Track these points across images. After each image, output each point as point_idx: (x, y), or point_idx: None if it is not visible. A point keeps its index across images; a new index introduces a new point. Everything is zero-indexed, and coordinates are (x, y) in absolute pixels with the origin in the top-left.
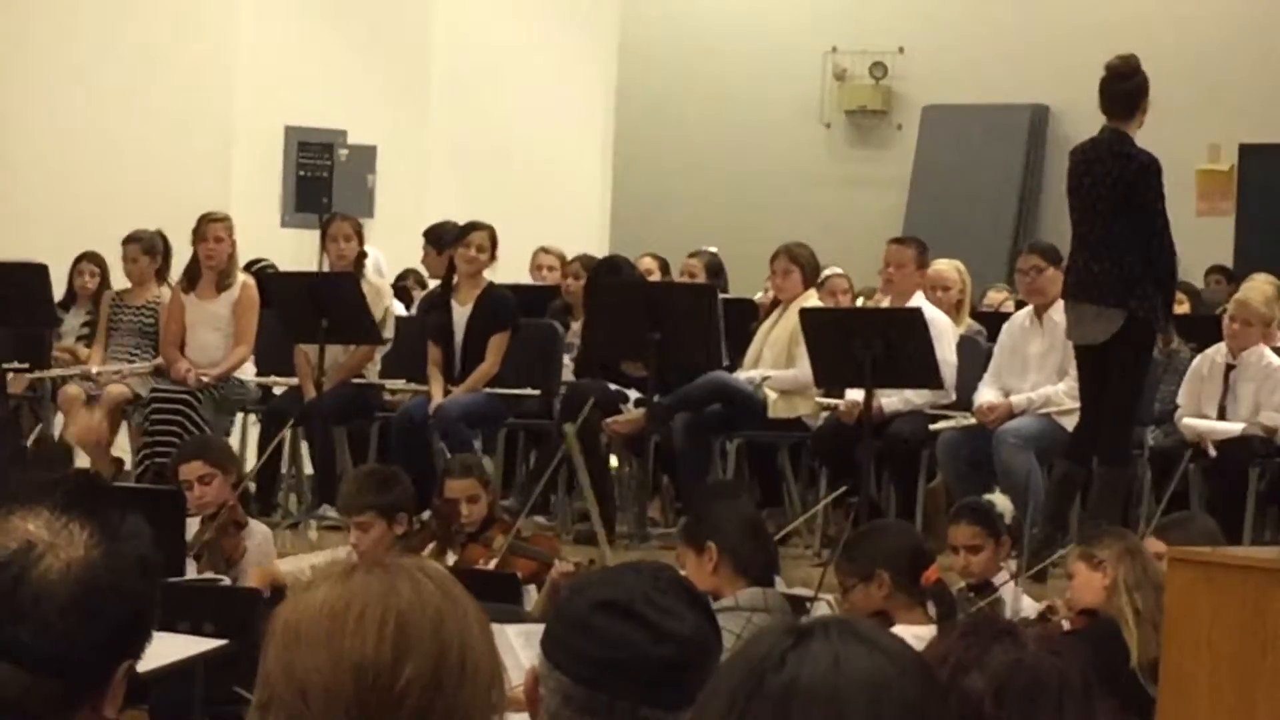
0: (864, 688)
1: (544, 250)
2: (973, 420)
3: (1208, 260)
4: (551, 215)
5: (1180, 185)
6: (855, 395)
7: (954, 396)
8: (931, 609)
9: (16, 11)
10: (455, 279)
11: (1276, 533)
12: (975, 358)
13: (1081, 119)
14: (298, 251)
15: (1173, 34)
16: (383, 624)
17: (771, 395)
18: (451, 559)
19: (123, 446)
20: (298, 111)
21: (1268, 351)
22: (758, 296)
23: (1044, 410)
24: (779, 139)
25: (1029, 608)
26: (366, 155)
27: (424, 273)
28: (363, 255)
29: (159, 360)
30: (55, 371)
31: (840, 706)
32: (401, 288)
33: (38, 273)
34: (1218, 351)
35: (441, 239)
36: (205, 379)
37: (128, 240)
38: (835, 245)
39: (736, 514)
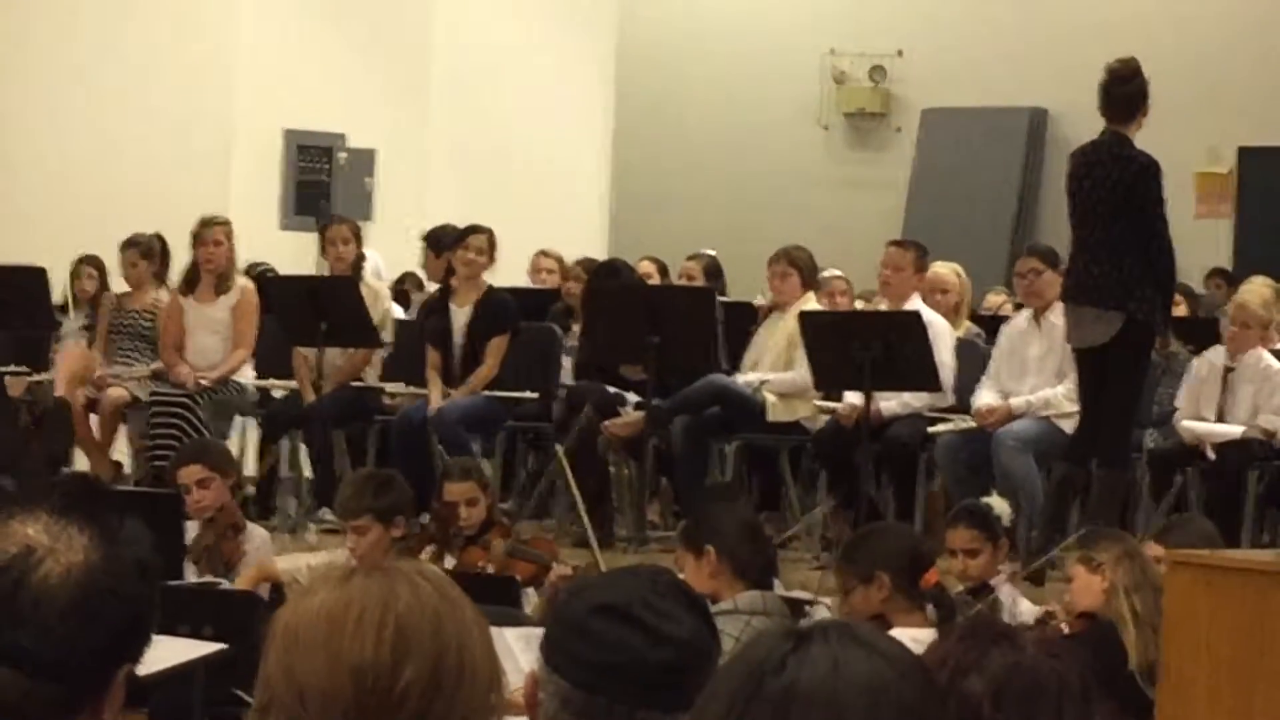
0: (863, 691)
1: (543, 253)
2: (972, 423)
3: (1207, 262)
4: (550, 218)
5: (1179, 188)
6: (854, 398)
7: (952, 399)
8: (931, 612)
9: (16, 13)
10: (454, 282)
11: (1275, 535)
12: (974, 360)
13: (1080, 122)
14: (297, 255)
15: (1172, 36)
16: (381, 627)
17: (770, 398)
18: (450, 562)
19: (122, 450)
20: (297, 114)
21: (1266, 354)
22: (757, 300)
23: (1043, 413)
24: (778, 141)
25: (1027, 610)
26: (365, 158)
27: (423, 276)
28: (362, 258)
29: (158, 364)
30: (54, 375)
31: (839, 710)
32: (400, 291)
33: (35, 276)
34: (1216, 354)
35: (440, 242)
36: (204, 382)
37: (125, 245)
38: (834, 248)
39: (734, 517)
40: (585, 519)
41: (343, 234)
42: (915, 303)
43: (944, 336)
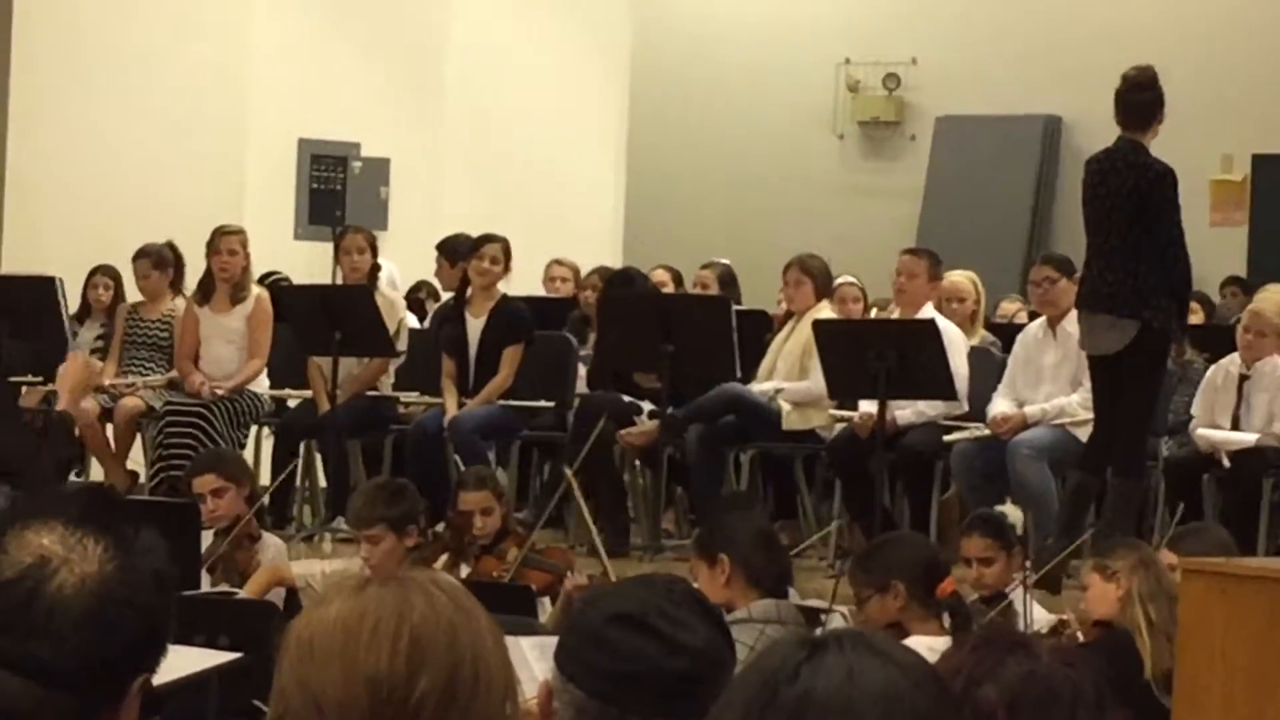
0: (877, 700)
1: (557, 262)
2: (986, 431)
3: (1221, 270)
4: (565, 227)
5: (1193, 196)
6: (869, 407)
7: (967, 408)
8: (946, 620)
9: (28, 25)
10: (469, 291)
11: None
12: (989, 369)
13: (1094, 130)
14: (311, 264)
15: (1186, 44)
16: (396, 637)
17: (785, 407)
18: (465, 571)
19: (137, 459)
20: (311, 124)
21: None
22: (776, 308)
23: (1058, 421)
24: (792, 150)
25: (1042, 619)
26: (380, 167)
27: (438, 285)
28: (376, 268)
29: (173, 373)
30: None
31: (854, 719)
32: (415, 300)
33: (50, 286)
34: (1231, 362)
35: (455, 251)
36: (219, 392)
37: (137, 256)
38: (848, 256)
39: (749, 526)
40: (596, 536)
41: (357, 243)
42: (930, 311)
43: (958, 345)
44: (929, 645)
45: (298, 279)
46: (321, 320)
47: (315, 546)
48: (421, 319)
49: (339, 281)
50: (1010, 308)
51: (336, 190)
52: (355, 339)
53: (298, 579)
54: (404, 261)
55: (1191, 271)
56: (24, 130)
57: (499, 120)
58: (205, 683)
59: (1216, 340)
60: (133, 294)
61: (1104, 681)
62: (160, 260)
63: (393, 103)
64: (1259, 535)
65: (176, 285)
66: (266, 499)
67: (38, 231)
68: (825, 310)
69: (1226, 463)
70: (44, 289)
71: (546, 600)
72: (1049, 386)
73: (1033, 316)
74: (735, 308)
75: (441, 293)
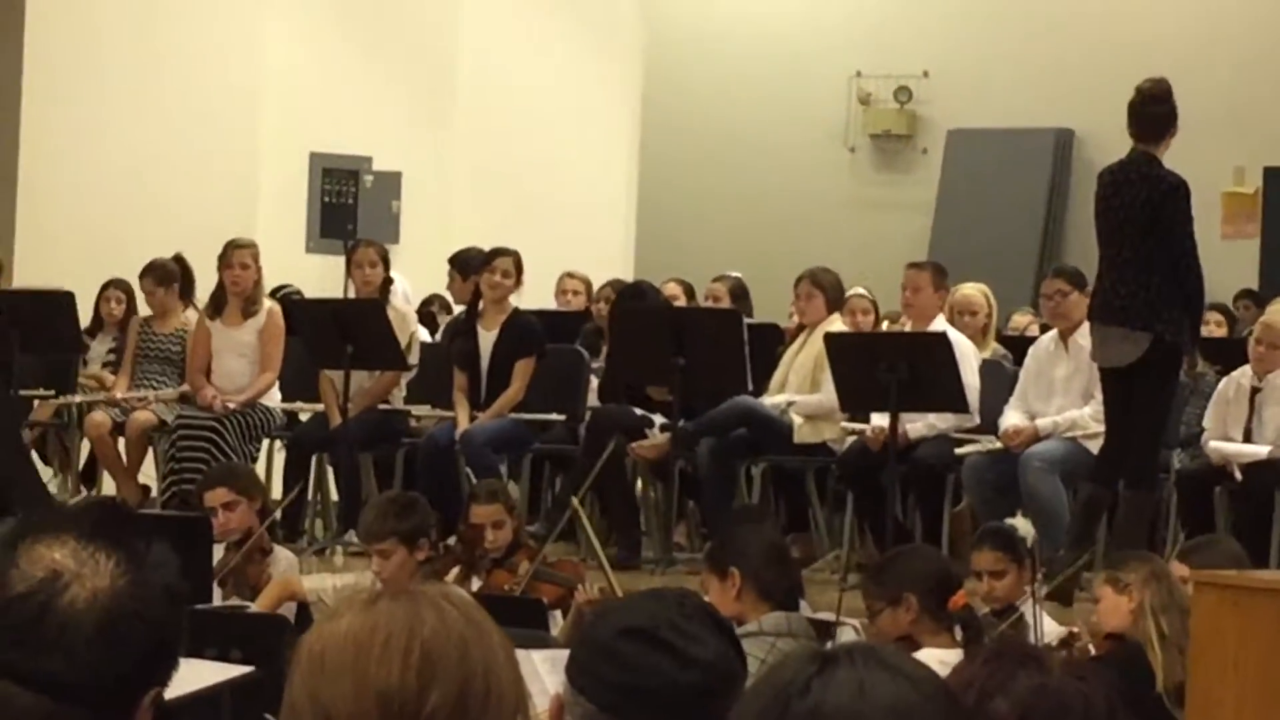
0: (888, 714)
1: (569, 275)
2: (998, 444)
3: (1233, 283)
4: (576, 240)
5: (1205, 208)
6: (880, 420)
7: (979, 420)
8: (958, 633)
9: (41, 39)
10: (481, 305)
11: None
12: (1000, 381)
13: (1106, 143)
14: (323, 277)
15: (1197, 57)
16: (408, 652)
17: (797, 420)
18: (477, 584)
19: (149, 473)
20: (323, 137)
21: None
22: (785, 322)
23: (1070, 434)
24: (804, 163)
25: (1053, 631)
26: (392, 181)
27: (449, 298)
28: (388, 281)
29: (185, 387)
30: (81, 398)
31: None
32: (427, 313)
33: (64, 300)
34: (1243, 375)
35: (467, 265)
36: (231, 405)
37: (142, 274)
38: (860, 269)
39: (760, 539)
40: (602, 555)
41: (369, 257)
42: (940, 323)
43: (969, 357)
44: (941, 658)
45: (309, 292)
46: (333, 334)
47: (327, 560)
48: (433, 332)
49: (351, 295)
50: (1022, 320)
51: (348, 204)
52: (367, 353)
53: (309, 593)
54: (416, 275)
55: (1204, 284)
56: (37, 144)
57: (511, 134)
58: (217, 697)
59: (1228, 353)
60: (144, 307)
61: (1116, 695)
62: (165, 276)
63: (404, 116)
64: (1271, 548)
65: (187, 298)
66: (278, 513)
67: (50, 245)
68: (837, 323)
69: (1238, 475)
70: (57, 303)
71: (558, 613)
72: (1061, 399)
73: (1044, 329)
74: (747, 321)
75: (453, 306)
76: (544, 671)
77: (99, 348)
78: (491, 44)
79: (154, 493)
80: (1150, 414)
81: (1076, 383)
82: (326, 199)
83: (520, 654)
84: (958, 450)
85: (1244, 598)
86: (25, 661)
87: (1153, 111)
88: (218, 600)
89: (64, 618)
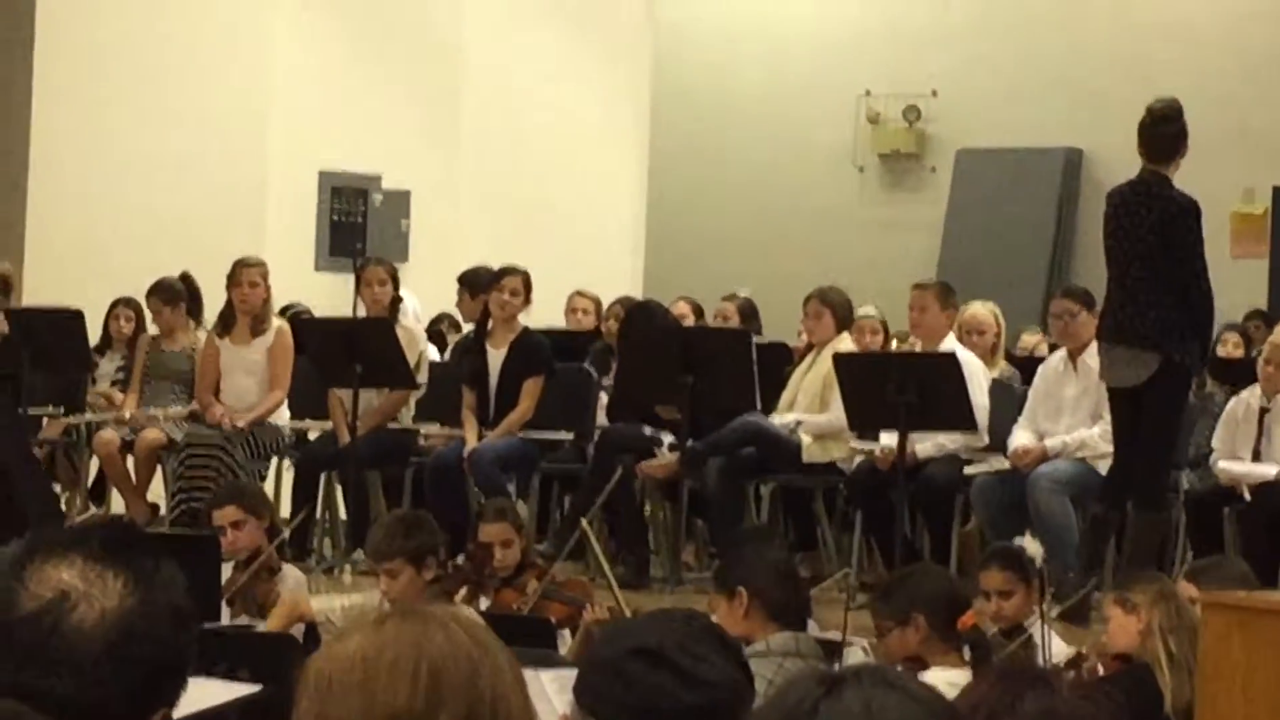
0: None
1: (579, 294)
2: (1006, 464)
3: (1243, 303)
4: (586, 259)
5: (1215, 228)
6: (889, 439)
7: (987, 440)
8: (967, 654)
9: (51, 57)
10: (490, 323)
11: None
12: (1009, 401)
13: (1115, 162)
14: (332, 296)
15: (1206, 77)
16: (415, 673)
17: (806, 439)
18: (485, 603)
19: (158, 491)
20: (331, 156)
21: None
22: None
23: (1078, 454)
24: (813, 182)
25: (1061, 652)
26: (401, 200)
27: (459, 317)
28: (397, 300)
29: (194, 405)
30: (90, 416)
31: None
32: (436, 332)
33: (73, 318)
34: (1252, 394)
35: (476, 283)
36: (240, 424)
37: (149, 293)
38: (869, 288)
39: (767, 559)
40: (611, 576)
41: (379, 275)
42: (950, 343)
43: (979, 377)
44: (949, 679)
45: (318, 311)
46: (342, 352)
47: (335, 579)
48: (442, 351)
49: (360, 313)
50: (1031, 340)
51: (357, 222)
52: (375, 371)
53: (317, 614)
54: (425, 293)
55: (1213, 304)
56: (46, 162)
57: (520, 153)
58: (225, 716)
59: (1239, 373)
60: (154, 326)
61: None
62: (172, 295)
63: (413, 135)
64: None
65: (195, 317)
66: (287, 532)
67: (59, 263)
68: (845, 342)
69: (1247, 496)
70: (66, 321)
71: (566, 632)
72: (1069, 419)
73: (1053, 349)
74: (756, 340)
75: (462, 324)
76: (552, 691)
77: (108, 366)
78: (501, 63)
79: (162, 511)
80: (1159, 434)
81: (1085, 403)
82: (335, 217)
83: (528, 674)
84: (966, 470)
85: (1252, 619)
86: (34, 681)
87: (1163, 132)
88: (226, 619)
89: (73, 638)
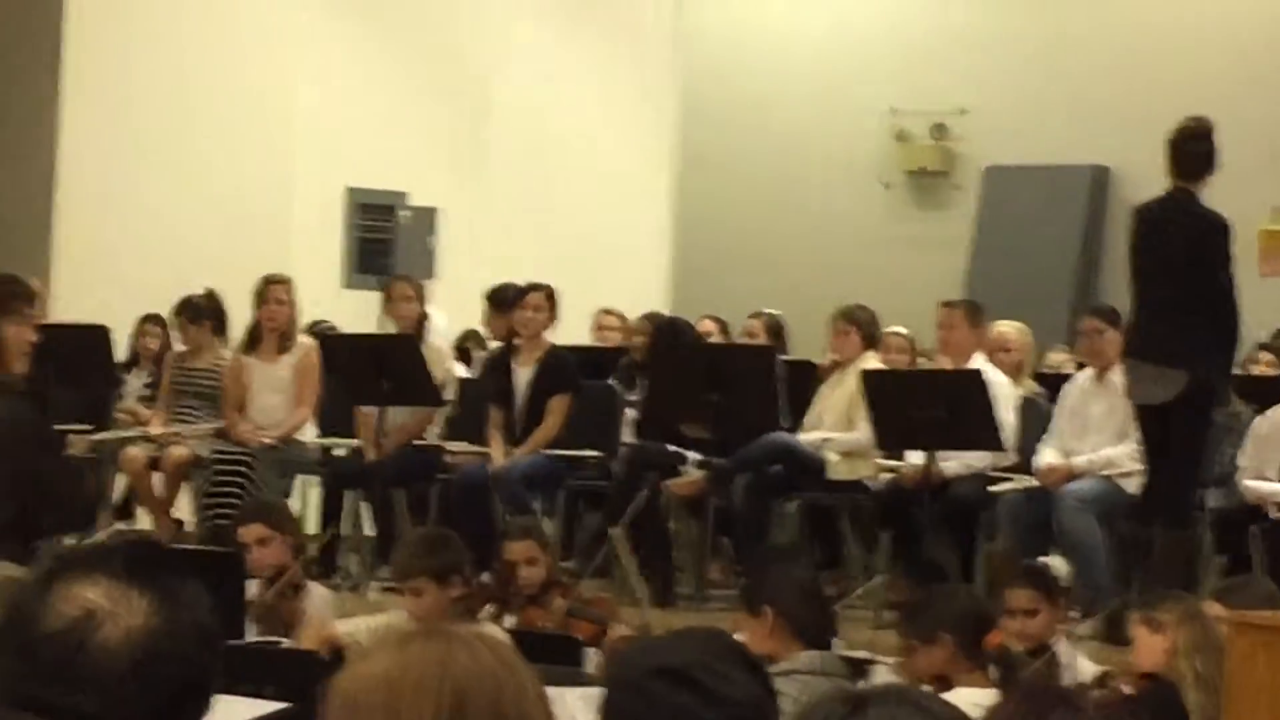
0: None
1: (606, 312)
2: (1033, 482)
3: (1271, 321)
4: (613, 276)
5: (1242, 246)
6: (915, 457)
7: (1014, 458)
8: (993, 672)
9: (77, 73)
10: (516, 340)
11: None
12: (1036, 419)
13: (1142, 180)
14: (358, 313)
15: (1233, 94)
16: (440, 694)
17: (832, 457)
18: (511, 621)
19: (184, 508)
20: (358, 173)
21: None
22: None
23: (1105, 472)
24: (840, 199)
25: (1088, 671)
26: (427, 217)
27: (486, 334)
28: (425, 317)
29: (221, 422)
30: (117, 433)
31: None
32: (463, 349)
33: (99, 334)
34: (1277, 412)
35: (503, 300)
36: (266, 440)
37: (175, 310)
38: (896, 306)
39: (792, 578)
40: (643, 591)
41: (405, 292)
42: (978, 360)
43: (1006, 395)
44: (974, 698)
45: (345, 328)
46: (369, 369)
47: (361, 596)
48: (469, 368)
49: (386, 330)
50: (1057, 358)
51: (385, 239)
52: (401, 388)
53: (345, 637)
54: (452, 310)
55: (1240, 322)
56: (72, 179)
57: (547, 170)
58: None
59: (1266, 391)
60: (180, 343)
61: None
62: (195, 314)
63: (440, 152)
64: None
65: (220, 334)
66: (313, 549)
67: (87, 280)
68: (872, 360)
69: (1273, 514)
70: (93, 338)
71: (593, 650)
72: (1096, 437)
73: (1080, 367)
74: (783, 357)
75: (489, 342)
76: (578, 710)
77: (135, 382)
78: (528, 80)
79: (188, 527)
80: (1186, 452)
81: (1113, 420)
82: (363, 234)
83: (553, 692)
84: (992, 488)
85: (1278, 639)
86: (60, 699)
87: (1194, 150)
88: (253, 636)
89: (98, 656)
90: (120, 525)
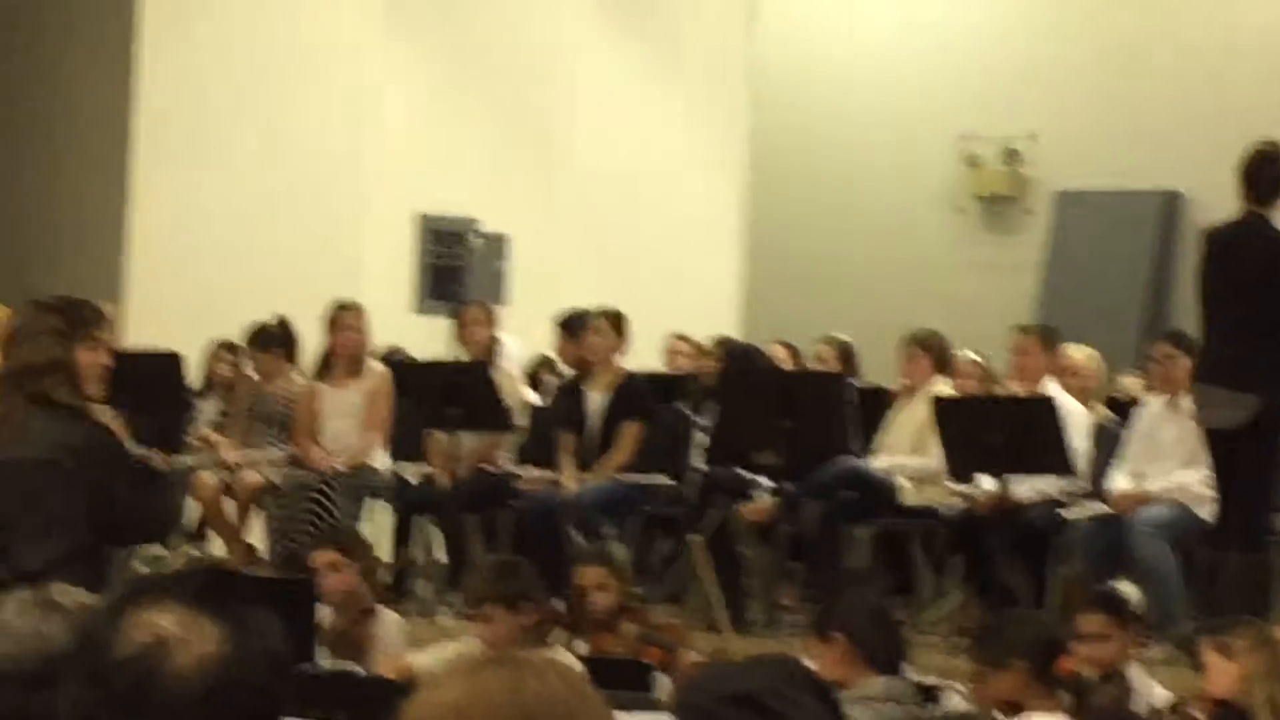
0: None
1: (678, 338)
2: (1105, 508)
3: None
4: (684, 302)
5: None
6: (987, 482)
7: (1090, 486)
8: (1065, 698)
9: (152, 101)
10: (588, 366)
11: None
12: (1108, 445)
13: (1214, 205)
14: (430, 339)
15: None
16: None
17: (904, 482)
18: (582, 646)
19: (255, 533)
20: (429, 199)
21: None
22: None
23: (1178, 497)
24: (911, 225)
25: (1160, 697)
26: (498, 243)
27: (557, 360)
28: (495, 342)
29: (294, 448)
30: (190, 459)
31: None
32: (535, 375)
33: (171, 361)
34: None
35: (574, 326)
36: (338, 466)
37: (247, 339)
38: (968, 331)
39: (864, 604)
40: (721, 609)
41: (477, 317)
42: (1049, 385)
43: (1077, 420)
44: None
45: (417, 354)
46: (439, 395)
47: (432, 623)
48: (540, 393)
49: (458, 356)
50: (1129, 383)
51: (456, 265)
52: (472, 414)
53: (421, 671)
54: (524, 336)
55: None
56: (147, 206)
57: (618, 195)
58: None
59: None
60: (251, 370)
61: None
62: (267, 340)
63: (511, 178)
64: None
65: (292, 359)
66: (387, 576)
67: (160, 306)
68: (942, 385)
69: None
70: (165, 364)
71: (663, 676)
72: (1169, 462)
73: (1150, 392)
74: (853, 382)
75: (561, 368)
76: None
77: (208, 409)
78: (599, 107)
79: (261, 553)
80: (1257, 477)
81: (1185, 445)
82: (434, 260)
83: (623, 718)
84: (1064, 513)
85: None
86: None
87: (1268, 172)
88: (324, 661)
89: (170, 684)
90: (193, 550)
